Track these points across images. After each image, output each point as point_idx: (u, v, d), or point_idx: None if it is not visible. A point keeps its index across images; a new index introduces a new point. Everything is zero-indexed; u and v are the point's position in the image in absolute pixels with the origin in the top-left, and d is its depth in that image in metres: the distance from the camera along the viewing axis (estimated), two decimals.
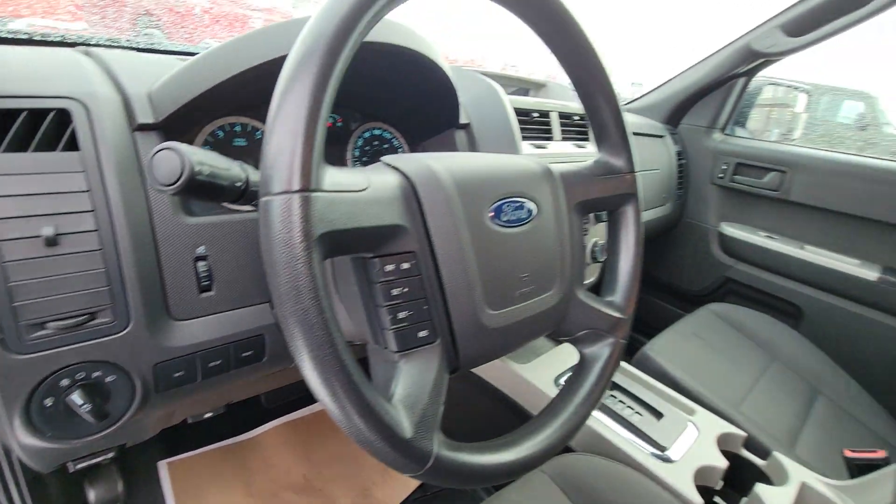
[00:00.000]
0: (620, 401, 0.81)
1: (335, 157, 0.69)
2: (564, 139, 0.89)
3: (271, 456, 1.05)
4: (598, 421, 0.77)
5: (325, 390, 0.26)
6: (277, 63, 0.31)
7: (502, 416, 0.92)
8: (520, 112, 0.81)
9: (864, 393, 1.11)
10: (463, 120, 0.75)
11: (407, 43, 0.56)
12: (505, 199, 0.39)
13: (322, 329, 0.26)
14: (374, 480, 0.98)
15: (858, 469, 0.73)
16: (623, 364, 0.93)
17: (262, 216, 0.27)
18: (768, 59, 1.21)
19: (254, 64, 0.48)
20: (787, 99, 1.58)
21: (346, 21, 0.30)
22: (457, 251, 0.35)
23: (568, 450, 0.78)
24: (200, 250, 0.46)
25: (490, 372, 0.90)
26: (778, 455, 0.75)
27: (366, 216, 0.30)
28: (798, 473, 0.72)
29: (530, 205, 0.42)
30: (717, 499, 0.74)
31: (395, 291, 0.32)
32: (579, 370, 0.49)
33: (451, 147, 0.75)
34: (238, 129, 0.59)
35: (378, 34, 0.54)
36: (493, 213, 0.38)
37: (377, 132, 0.74)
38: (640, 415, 0.79)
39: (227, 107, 0.57)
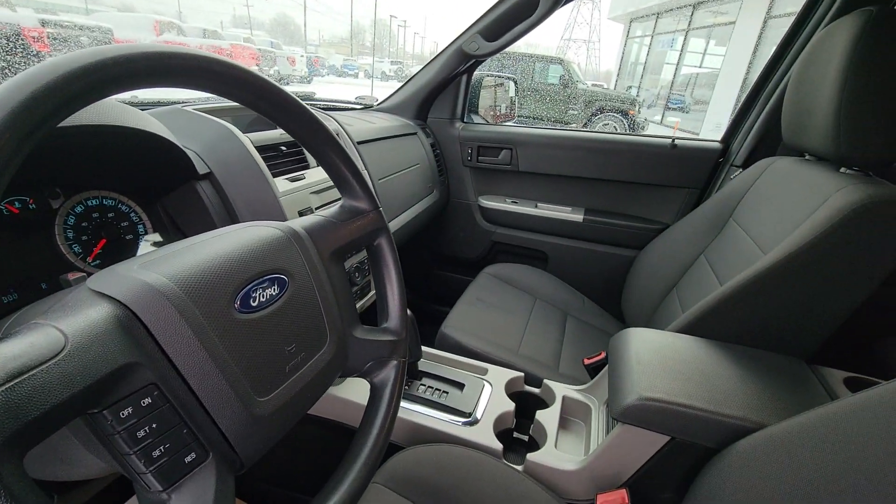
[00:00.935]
0: (429, 387, 0.92)
1: (39, 247, 0.57)
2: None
3: None
4: (415, 412, 0.86)
5: None
6: None
7: (332, 440, 0.94)
8: (266, 148, 0.79)
9: (594, 304, 1.51)
10: (202, 170, 0.70)
11: (97, 120, 0.49)
12: (249, 284, 0.40)
13: None
14: None
15: (594, 370, 1.00)
16: (427, 349, 1.05)
17: None
18: (476, 58, 1.44)
19: None
20: (503, 85, 1.92)
21: None
22: (206, 362, 0.34)
23: (394, 448, 0.85)
24: None
25: None
26: (547, 381, 0.97)
27: (72, 381, 0.26)
28: (560, 390, 0.95)
29: (280, 277, 0.43)
30: (515, 434, 0.92)
31: (140, 433, 0.30)
32: (372, 399, 0.54)
33: (196, 201, 0.69)
34: None
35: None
36: (239, 304, 0.38)
37: (95, 202, 0.63)
38: (447, 392, 0.91)
39: None
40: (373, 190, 0.58)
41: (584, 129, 1.60)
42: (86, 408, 0.28)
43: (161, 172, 0.67)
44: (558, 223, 1.59)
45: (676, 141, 1.44)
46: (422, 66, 1.56)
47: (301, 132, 0.49)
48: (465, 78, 1.60)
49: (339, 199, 0.57)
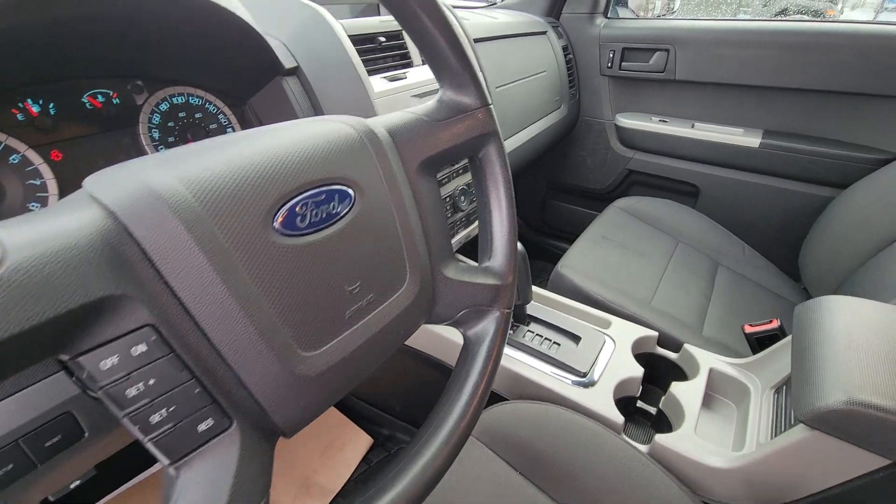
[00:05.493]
0: (538, 335, 0.79)
1: (125, 146, 0.53)
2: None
3: None
4: (521, 363, 0.75)
5: None
6: None
7: (427, 375, 0.88)
8: (361, 39, 0.66)
9: (756, 254, 1.20)
10: (288, 63, 0.60)
11: None
12: (298, 196, 0.28)
13: None
14: (314, 468, 0.94)
15: (759, 342, 0.77)
16: (538, 290, 0.90)
17: None
18: None
19: None
20: None
21: None
22: (225, 299, 0.24)
23: (496, 399, 0.76)
24: None
25: None
26: (688, 347, 0.77)
27: (13, 312, 0.18)
28: (707, 360, 0.75)
29: (344, 190, 0.31)
30: (640, 404, 0.76)
31: (131, 392, 0.22)
32: (464, 356, 0.42)
33: (283, 101, 0.60)
34: None
35: None
36: (280, 222, 0.27)
37: (180, 100, 0.57)
38: (559, 344, 0.77)
39: None
40: (483, 81, 0.42)
41: (775, 19, 1.17)
42: (51, 351, 0.20)
43: (247, 66, 0.58)
44: (721, 149, 1.25)
45: None
46: None
47: None
48: None
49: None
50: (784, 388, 0.66)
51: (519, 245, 0.74)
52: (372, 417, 1.03)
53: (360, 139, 0.33)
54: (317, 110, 0.62)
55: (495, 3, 1.39)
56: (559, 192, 1.63)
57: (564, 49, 1.32)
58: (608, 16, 1.35)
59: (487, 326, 0.42)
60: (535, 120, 1.20)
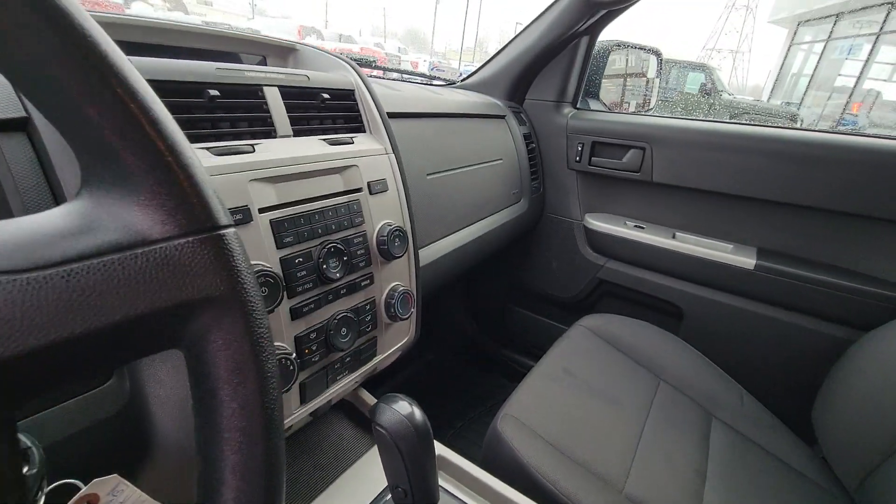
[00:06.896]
0: None
1: None
2: (301, 132, 0.52)
3: None
4: None
5: None
6: None
7: None
8: (171, 91, 0.42)
9: (757, 404, 0.93)
10: (7, 112, 0.35)
11: None
12: None
13: None
14: None
15: None
16: (461, 465, 0.61)
17: None
18: (610, 7, 0.96)
19: None
20: (641, 61, 1.40)
21: None
22: None
23: None
24: None
25: None
26: None
27: None
28: None
29: None
30: None
31: None
32: None
33: None
34: None
35: None
36: None
37: None
38: None
39: None
40: (200, 180, 0.17)
41: (770, 126, 1.02)
42: None
43: None
44: (708, 267, 1.03)
45: None
46: (524, 27, 1.13)
47: None
48: (583, 43, 1.12)
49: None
50: None
51: (417, 412, 0.47)
52: None
53: None
54: (53, 186, 0.36)
55: (453, 83, 1.24)
56: (521, 297, 1.39)
57: (527, 137, 1.15)
58: (578, 106, 1.20)
59: None
60: (487, 214, 0.98)
